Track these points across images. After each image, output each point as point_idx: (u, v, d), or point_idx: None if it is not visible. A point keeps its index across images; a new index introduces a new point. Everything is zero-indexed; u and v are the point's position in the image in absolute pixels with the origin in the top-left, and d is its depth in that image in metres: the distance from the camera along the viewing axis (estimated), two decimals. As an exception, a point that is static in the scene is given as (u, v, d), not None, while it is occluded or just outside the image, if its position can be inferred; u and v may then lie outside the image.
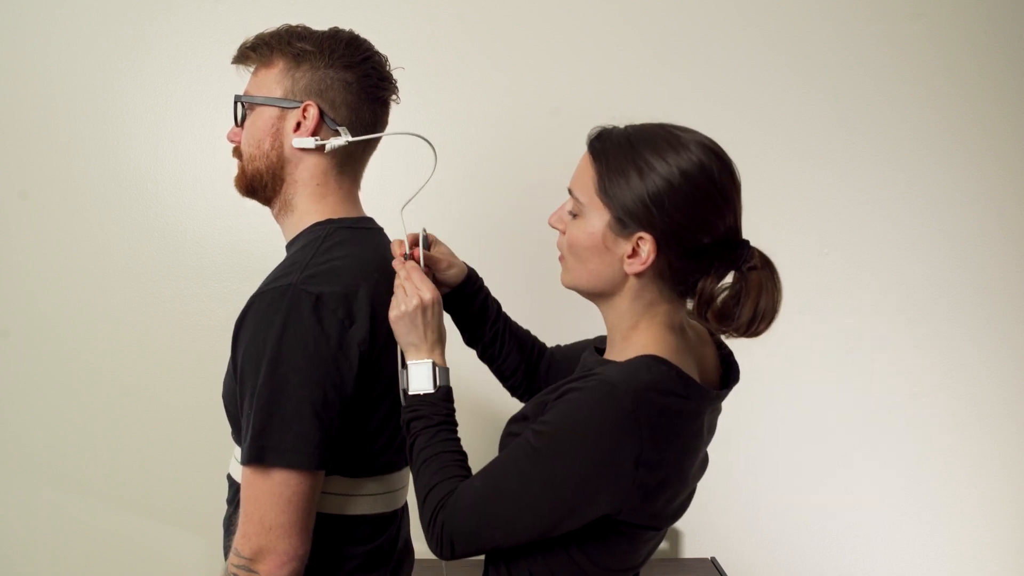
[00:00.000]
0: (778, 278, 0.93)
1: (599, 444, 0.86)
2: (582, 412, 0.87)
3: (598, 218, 0.93)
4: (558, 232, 0.99)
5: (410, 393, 1.00)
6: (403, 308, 1.00)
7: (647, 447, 0.86)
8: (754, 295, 0.91)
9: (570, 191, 0.97)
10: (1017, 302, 1.98)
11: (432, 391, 1.00)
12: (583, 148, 1.08)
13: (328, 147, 1.04)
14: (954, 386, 1.99)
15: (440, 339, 1.03)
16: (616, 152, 0.92)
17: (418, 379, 1.00)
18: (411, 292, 1.01)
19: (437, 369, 1.01)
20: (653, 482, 0.88)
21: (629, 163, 0.90)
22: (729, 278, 0.94)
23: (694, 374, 0.96)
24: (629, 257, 0.92)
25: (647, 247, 0.90)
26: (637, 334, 0.95)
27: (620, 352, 0.96)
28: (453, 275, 1.15)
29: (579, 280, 0.97)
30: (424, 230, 1.12)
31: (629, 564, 0.98)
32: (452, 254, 1.17)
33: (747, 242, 0.93)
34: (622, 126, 0.96)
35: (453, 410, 1.02)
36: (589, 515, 0.88)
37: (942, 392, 1.99)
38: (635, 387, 0.86)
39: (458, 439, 1.01)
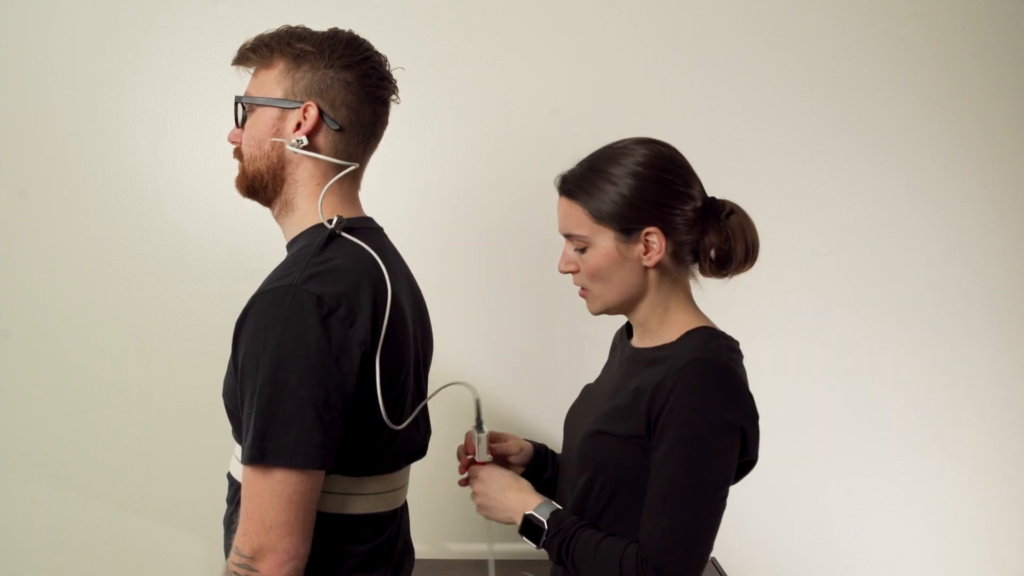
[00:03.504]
0: (749, 215, 1.10)
1: (725, 417, 1.00)
2: (702, 398, 1.00)
3: (605, 239, 1.07)
4: (569, 269, 1.12)
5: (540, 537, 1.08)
6: (487, 500, 1.13)
7: (749, 405, 1.03)
8: (740, 234, 1.08)
9: (566, 236, 1.10)
10: (1017, 302, 1.98)
11: (546, 526, 1.07)
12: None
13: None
14: (954, 386, 1.98)
15: (523, 489, 1.12)
16: (587, 183, 1.07)
17: (533, 526, 1.08)
18: (484, 478, 1.14)
19: (534, 516, 1.08)
20: (755, 429, 1.05)
21: (603, 182, 1.06)
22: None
23: None
24: (645, 254, 1.06)
25: (655, 238, 1.06)
26: (672, 314, 1.10)
27: (661, 336, 1.10)
28: (525, 456, 1.26)
29: (610, 299, 1.10)
30: (477, 429, 1.16)
31: None
32: (516, 438, 1.28)
33: (715, 198, 1.10)
34: (573, 165, 1.11)
35: (577, 519, 1.08)
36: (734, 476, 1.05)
37: (942, 392, 1.98)
38: (717, 358, 1.03)
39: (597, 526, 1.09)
